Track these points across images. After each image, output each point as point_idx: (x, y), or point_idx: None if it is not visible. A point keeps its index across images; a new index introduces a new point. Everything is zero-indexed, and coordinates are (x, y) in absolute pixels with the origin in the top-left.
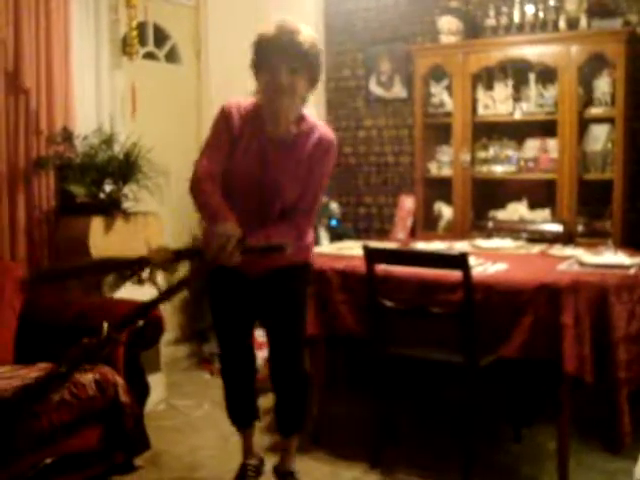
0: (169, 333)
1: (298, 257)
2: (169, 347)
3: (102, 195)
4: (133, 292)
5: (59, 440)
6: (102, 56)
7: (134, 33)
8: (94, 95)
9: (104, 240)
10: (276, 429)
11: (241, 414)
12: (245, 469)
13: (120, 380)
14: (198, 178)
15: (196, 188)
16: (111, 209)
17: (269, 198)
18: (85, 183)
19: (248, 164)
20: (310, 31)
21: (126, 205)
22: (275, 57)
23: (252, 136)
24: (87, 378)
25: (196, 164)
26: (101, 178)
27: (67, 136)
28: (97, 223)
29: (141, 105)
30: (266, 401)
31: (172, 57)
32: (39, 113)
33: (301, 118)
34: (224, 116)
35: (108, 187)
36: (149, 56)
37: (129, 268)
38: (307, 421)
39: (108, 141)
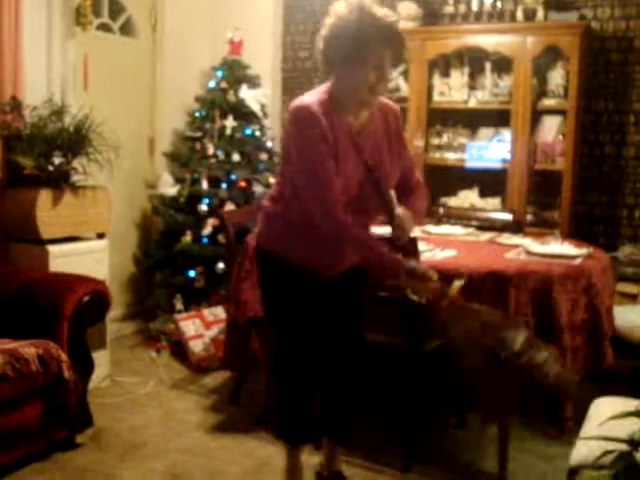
0: (115, 310)
1: None
2: (115, 324)
3: (50, 167)
4: (78, 266)
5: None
6: (54, 26)
7: (88, 3)
8: (45, 65)
9: (51, 213)
10: (326, 434)
11: (296, 428)
12: None
13: (64, 356)
14: (333, 215)
15: (337, 226)
16: (59, 182)
17: (381, 190)
18: (33, 155)
19: (352, 167)
20: (394, 14)
21: (75, 178)
22: (380, 52)
23: (341, 135)
24: (30, 353)
25: (317, 196)
26: (50, 150)
27: (15, 106)
28: (45, 196)
29: (94, 77)
30: (212, 381)
31: (127, 30)
32: None
33: None
34: (315, 125)
35: (57, 160)
36: (103, 28)
37: None
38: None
39: (58, 113)
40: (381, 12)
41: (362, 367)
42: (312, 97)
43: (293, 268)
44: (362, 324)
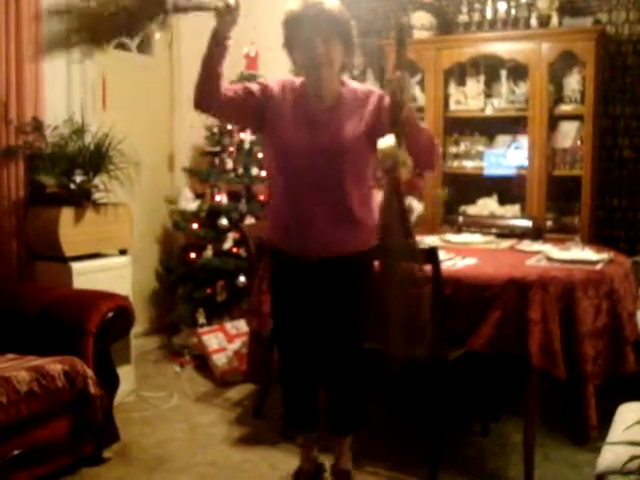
0: (139, 325)
1: (363, 242)
2: (139, 339)
3: (72, 186)
4: (101, 283)
5: (27, 431)
6: None
7: None
8: (65, 85)
9: (74, 231)
10: (327, 427)
11: (301, 415)
12: (299, 476)
13: (90, 372)
14: None
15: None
16: (81, 200)
17: (332, 163)
18: (55, 173)
19: (297, 131)
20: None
21: (96, 196)
22: (307, 30)
23: (297, 106)
24: (56, 369)
25: None
26: (71, 169)
27: (37, 126)
28: (67, 214)
29: (112, 96)
30: (236, 394)
31: (144, 47)
32: (8, 103)
33: (342, 84)
34: (267, 81)
35: (78, 178)
36: (120, 46)
37: None
38: (362, 423)
39: (79, 131)
40: None
41: (355, 360)
42: (296, 78)
43: (276, 252)
44: (359, 316)
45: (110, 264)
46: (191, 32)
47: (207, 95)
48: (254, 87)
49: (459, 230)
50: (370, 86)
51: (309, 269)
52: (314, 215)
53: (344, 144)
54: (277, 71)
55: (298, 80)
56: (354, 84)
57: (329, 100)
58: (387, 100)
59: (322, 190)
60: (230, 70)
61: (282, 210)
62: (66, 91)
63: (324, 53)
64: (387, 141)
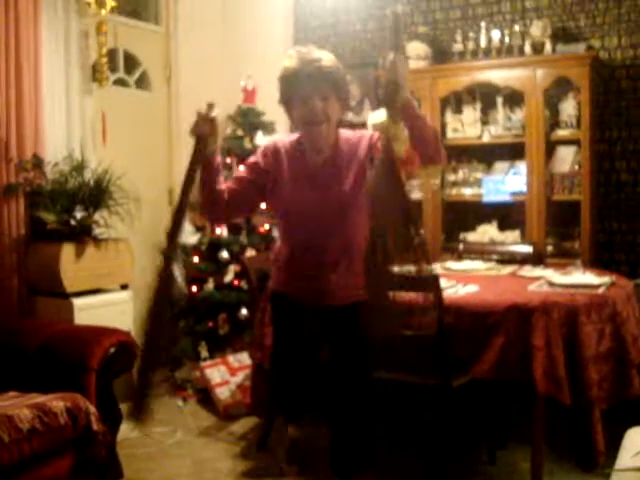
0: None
1: None
2: None
3: (73, 222)
4: (103, 318)
5: (30, 470)
6: (72, 83)
7: (104, 60)
8: (64, 122)
9: (75, 266)
10: (330, 467)
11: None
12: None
13: (92, 408)
14: None
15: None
16: (82, 236)
17: (338, 215)
18: (55, 210)
19: (298, 189)
20: (330, 55)
21: (97, 232)
22: (305, 88)
23: (294, 164)
24: (58, 406)
25: None
26: (72, 205)
27: (37, 163)
28: (68, 250)
29: (112, 131)
30: (240, 427)
31: (142, 83)
32: (9, 140)
33: (337, 136)
34: (256, 156)
35: (79, 214)
36: (120, 82)
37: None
38: (367, 464)
39: (78, 168)
40: (305, 54)
41: (362, 406)
42: (286, 136)
43: (281, 297)
44: (365, 362)
45: (111, 299)
46: (189, 67)
47: (213, 211)
48: (246, 173)
49: (460, 257)
50: (360, 131)
51: (318, 315)
52: (322, 264)
53: (344, 195)
54: (276, 104)
55: (292, 137)
56: (346, 132)
57: (326, 152)
58: (377, 135)
59: (328, 239)
60: (228, 103)
61: (290, 259)
62: (66, 127)
63: (322, 111)
64: (378, 115)
